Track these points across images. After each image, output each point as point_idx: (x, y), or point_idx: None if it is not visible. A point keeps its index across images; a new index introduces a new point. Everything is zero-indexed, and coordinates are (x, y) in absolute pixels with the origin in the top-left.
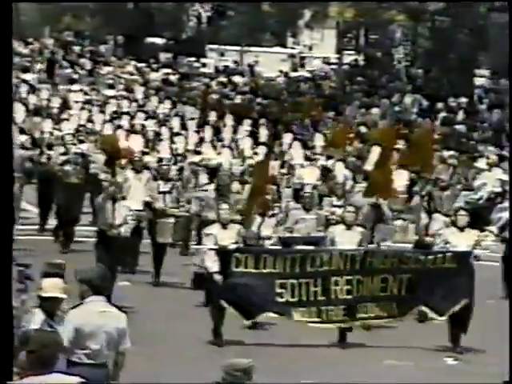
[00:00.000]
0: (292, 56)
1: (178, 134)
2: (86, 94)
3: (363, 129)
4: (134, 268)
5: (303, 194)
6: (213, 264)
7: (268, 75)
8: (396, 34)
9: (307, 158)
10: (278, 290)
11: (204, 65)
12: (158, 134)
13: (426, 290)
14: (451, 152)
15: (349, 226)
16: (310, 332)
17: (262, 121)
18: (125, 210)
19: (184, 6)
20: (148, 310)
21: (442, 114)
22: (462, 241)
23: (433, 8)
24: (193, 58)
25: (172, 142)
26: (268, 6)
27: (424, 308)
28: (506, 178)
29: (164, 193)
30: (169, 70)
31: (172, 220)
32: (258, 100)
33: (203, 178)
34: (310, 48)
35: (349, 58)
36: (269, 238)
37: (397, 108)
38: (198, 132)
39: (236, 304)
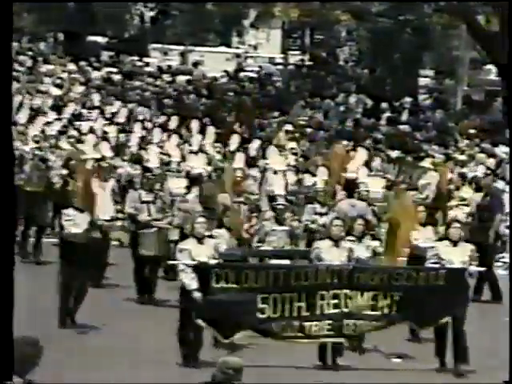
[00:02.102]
0: (237, 56)
1: (146, 139)
2: (30, 93)
3: (309, 129)
4: (99, 281)
5: (275, 205)
6: (191, 281)
7: (212, 75)
8: (341, 34)
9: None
10: (260, 306)
11: (147, 64)
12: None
13: (415, 308)
14: (396, 151)
15: (336, 242)
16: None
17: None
18: (87, 219)
19: (127, 4)
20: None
21: (387, 114)
22: (455, 256)
23: (377, 8)
24: (136, 57)
25: (141, 148)
26: (212, 5)
27: (408, 322)
28: (451, 176)
29: (147, 202)
30: (111, 69)
31: (154, 231)
32: (202, 100)
33: (174, 184)
34: (255, 48)
35: (294, 57)
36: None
37: (341, 108)
38: (168, 137)
39: (215, 322)
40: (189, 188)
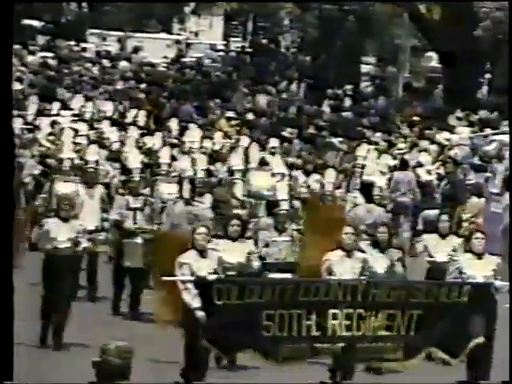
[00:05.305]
0: (177, 42)
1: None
2: None
3: (250, 116)
4: (93, 295)
5: (277, 211)
6: (193, 299)
7: (152, 61)
8: (284, 22)
9: (262, 163)
10: (265, 323)
11: (84, 49)
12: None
13: (437, 328)
14: (339, 138)
15: (348, 253)
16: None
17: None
18: (74, 230)
19: None
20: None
21: (329, 101)
22: (478, 270)
23: None
24: (72, 42)
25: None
26: None
27: (435, 349)
28: (393, 163)
29: (135, 209)
30: (47, 54)
31: (140, 241)
32: (142, 86)
33: (165, 188)
34: (197, 34)
35: (236, 44)
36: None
37: (283, 95)
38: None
39: (217, 342)
40: (180, 192)
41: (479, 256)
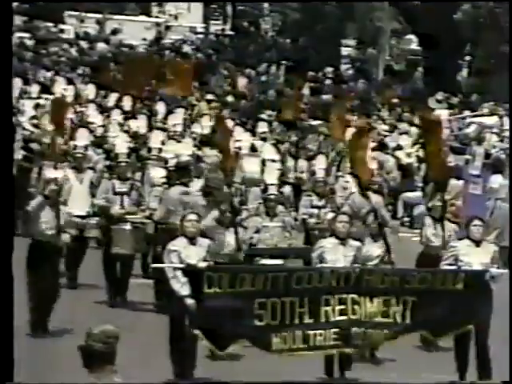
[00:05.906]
0: (157, 24)
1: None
2: None
3: (230, 98)
4: (74, 282)
5: (266, 196)
6: (182, 287)
7: (131, 43)
8: (264, 5)
9: (252, 148)
10: (257, 312)
11: (62, 30)
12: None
13: (429, 313)
14: (319, 121)
15: (342, 240)
16: (292, 363)
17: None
18: (64, 216)
19: None
20: None
21: (309, 84)
22: (475, 257)
23: None
24: (50, 23)
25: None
26: None
27: (423, 331)
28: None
29: (121, 194)
30: (24, 34)
31: (129, 227)
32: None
33: (155, 173)
34: (176, 17)
35: (216, 27)
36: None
37: (263, 78)
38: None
39: (209, 332)
40: (169, 178)
41: (477, 243)
